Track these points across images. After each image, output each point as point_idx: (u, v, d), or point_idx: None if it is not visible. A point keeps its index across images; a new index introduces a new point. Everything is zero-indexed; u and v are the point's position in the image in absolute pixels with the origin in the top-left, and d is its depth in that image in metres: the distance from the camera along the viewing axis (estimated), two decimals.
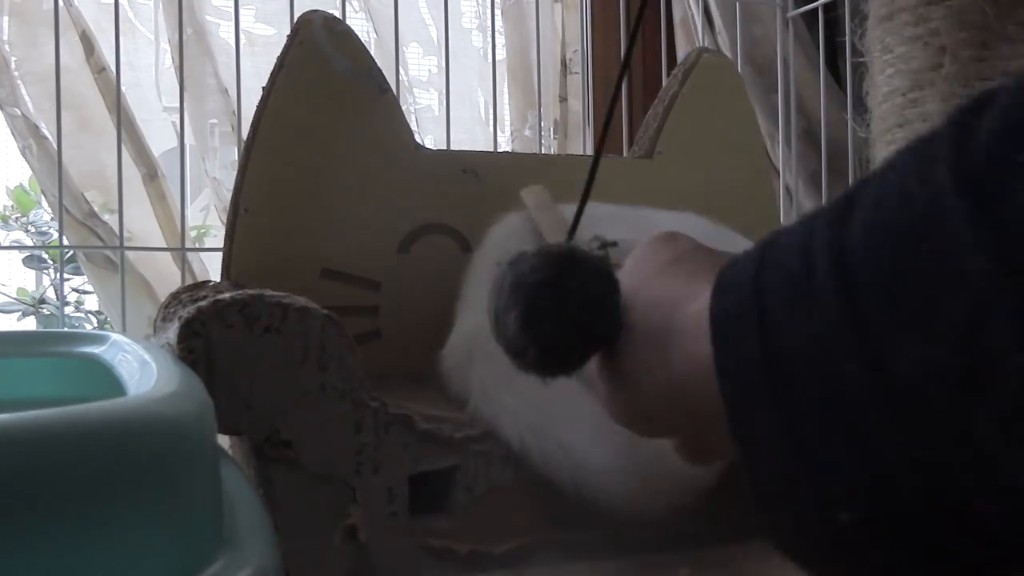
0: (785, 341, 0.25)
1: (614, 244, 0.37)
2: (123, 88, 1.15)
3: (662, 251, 0.36)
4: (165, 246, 1.27)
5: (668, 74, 1.18)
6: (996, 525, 0.22)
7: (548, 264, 0.35)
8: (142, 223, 1.27)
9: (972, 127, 0.22)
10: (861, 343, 0.23)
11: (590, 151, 1.41)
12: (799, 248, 0.25)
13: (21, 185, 1.70)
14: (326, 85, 0.91)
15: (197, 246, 1.42)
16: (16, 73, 1.23)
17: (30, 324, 1.66)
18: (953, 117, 0.23)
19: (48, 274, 1.68)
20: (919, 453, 0.23)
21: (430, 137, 1.44)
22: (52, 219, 1.61)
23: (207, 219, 1.46)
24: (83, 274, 1.45)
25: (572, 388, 0.71)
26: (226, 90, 1.31)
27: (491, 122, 1.26)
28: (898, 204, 0.23)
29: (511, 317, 0.35)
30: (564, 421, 0.70)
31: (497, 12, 1.39)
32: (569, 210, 0.85)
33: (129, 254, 1.22)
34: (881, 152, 0.76)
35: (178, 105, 1.19)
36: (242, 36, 1.15)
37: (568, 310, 0.35)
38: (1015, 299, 0.20)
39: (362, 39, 0.95)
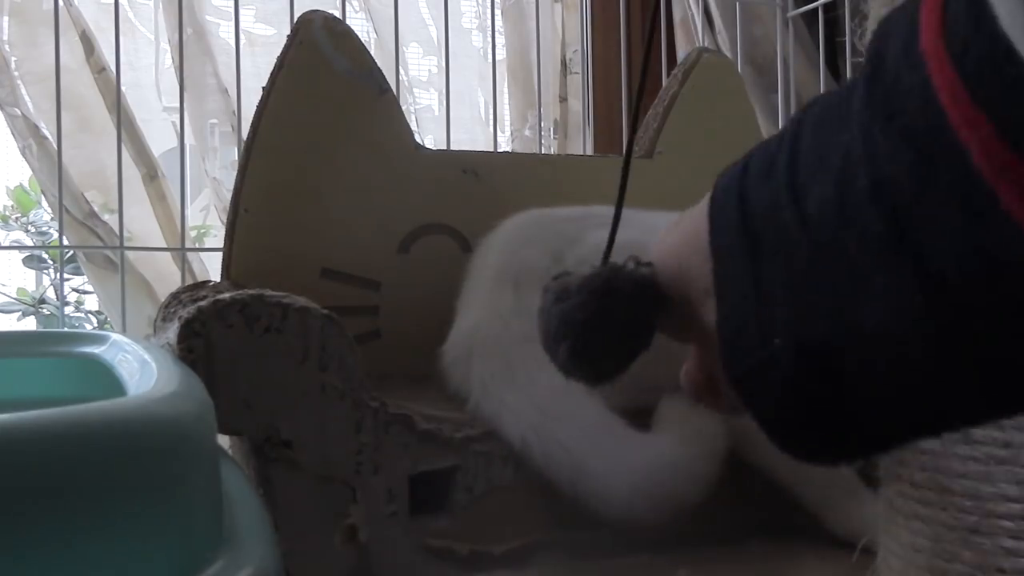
0: (753, 200, 0.31)
1: (649, 265, 0.39)
2: (123, 88, 1.15)
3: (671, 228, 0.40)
4: (165, 246, 1.27)
5: (668, 74, 1.18)
6: (880, 342, 0.27)
7: (591, 299, 0.38)
8: (142, 223, 1.27)
9: (886, 21, 0.27)
10: (792, 191, 0.29)
11: (590, 151, 1.41)
12: (779, 135, 0.31)
13: (21, 185, 1.70)
14: (326, 85, 0.91)
15: (197, 246, 1.42)
16: (16, 73, 1.23)
17: (30, 324, 1.66)
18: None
19: (48, 274, 1.68)
20: (825, 278, 0.27)
21: (430, 137, 1.44)
22: (52, 219, 1.61)
23: (207, 219, 1.46)
24: (83, 274, 1.45)
25: (576, 388, 0.71)
26: (226, 90, 1.31)
27: (491, 122, 1.26)
28: (839, 89, 0.29)
29: (561, 349, 0.39)
30: (567, 421, 0.70)
31: (497, 12, 1.39)
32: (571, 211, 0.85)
33: (129, 254, 1.22)
34: None
35: (178, 105, 1.19)
36: (242, 36, 1.15)
37: (608, 345, 0.39)
38: (869, 135, 0.25)
39: (362, 39, 0.95)
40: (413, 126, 1.20)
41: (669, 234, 0.38)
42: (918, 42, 0.24)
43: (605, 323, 0.38)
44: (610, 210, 0.81)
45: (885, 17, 0.28)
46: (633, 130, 0.43)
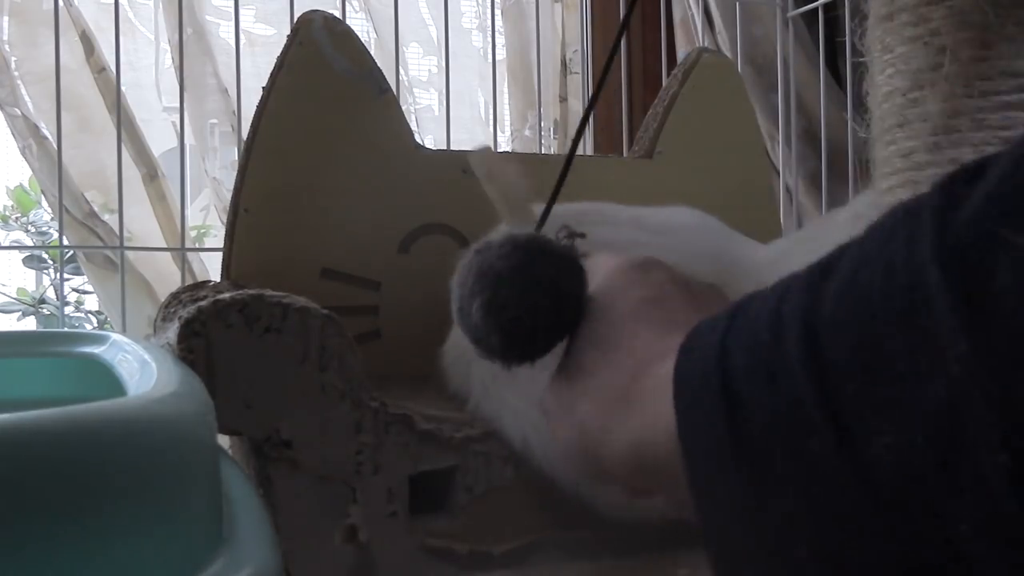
0: (748, 410, 0.24)
1: (582, 235, 0.37)
2: (123, 88, 1.15)
3: (636, 285, 0.35)
4: (165, 246, 1.27)
5: (668, 74, 1.18)
6: None
7: (514, 252, 0.34)
8: (142, 223, 1.27)
9: (960, 196, 0.21)
10: (827, 420, 0.22)
11: (590, 151, 1.41)
12: (769, 312, 0.24)
13: (21, 185, 1.70)
14: (326, 85, 0.91)
15: (197, 246, 1.42)
16: (16, 73, 1.23)
17: (30, 324, 1.66)
18: (942, 183, 0.22)
19: (48, 274, 1.68)
20: (891, 542, 0.21)
21: (430, 137, 1.44)
22: (52, 219, 1.61)
23: (207, 219, 1.46)
24: (83, 274, 1.45)
25: None
26: (226, 90, 1.31)
27: (491, 122, 1.26)
28: (876, 275, 0.22)
29: (475, 304, 0.34)
30: None
31: (497, 12, 1.39)
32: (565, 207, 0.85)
33: (129, 254, 1.22)
34: (881, 152, 0.75)
35: (178, 105, 1.19)
36: (242, 36, 1.15)
37: (532, 298, 0.34)
38: (992, 386, 0.19)
39: (362, 39, 0.95)
40: (413, 126, 1.20)
41: (615, 426, 0.31)
42: None
43: (528, 275, 0.34)
44: (610, 207, 0.81)
45: (951, 183, 0.21)
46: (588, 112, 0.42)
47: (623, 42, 1.35)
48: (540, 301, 0.34)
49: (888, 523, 0.21)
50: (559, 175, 0.37)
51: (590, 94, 1.44)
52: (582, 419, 0.33)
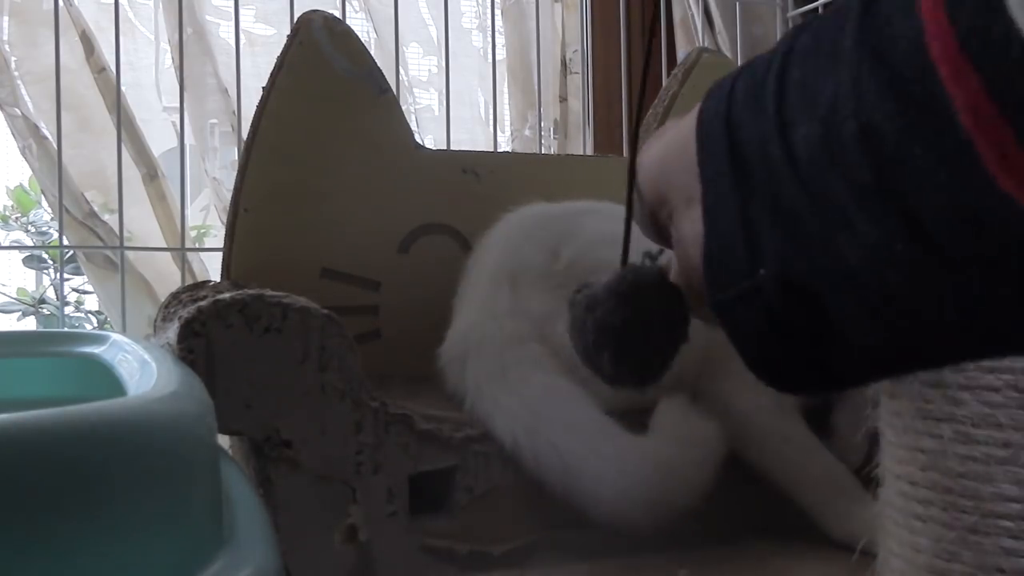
0: (741, 130, 0.30)
1: (660, 253, 0.40)
2: (123, 88, 1.15)
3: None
4: (165, 246, 1.27)
5: (668, 74, 1.18)
6: (861, 280, 0.27)
7: (622, 304, 0.38)
8: (142, 223, 1.27)
9: None
10: (780, 126, 0.28)
11: (590, 151, 1.40)
12: (766, 58, 0.30)
13: (21, 185, 1.70)
14: (326, 85, 0.91)
15: (197, 246, 1.42)
16: (16, 73, 1.23)
17: (30, 324, 1.66)
18: None
19: (48, 274, 1.68)
20: (811, 215, 0.28)
21: (430, 137, 1.44)
22: (52, 219, 1.61)
23: (207, 219, 1.46)
24: (83, 274, 1.44)
25: (571, 391, 0.71)
26: (226, 90, 1.31)
27: (491, 122, 1.26)
28: (829, 16, 0.28)
29: (604, 358, 0.39)
30: (558, 422, 0.70)
31: (497, 12, 1.39)
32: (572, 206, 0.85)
33: (129, 254, 1.22)
34: None
35: (178, 105, 1.19)
36: (242, 36, 1.14)
37: (651, 342, 0.39)
38: (857, 76, 0.25)
39: (362, 39, 0.95)
40: (413, 126, 1.20)
41: (654, 143, 0.38)
42: None
43: (642, 321, 0.38)
44: (605, 205, 0.81)
45: None
46: (636, 129, 0.43)
47: (622, 43, 1.35)
48: (659, 341, 0.39)
49: (809, 197, 0.28)
50: (626, 198, 0.40)
51: (591, 94, 1.44)
52: (647, 148, 0.39)
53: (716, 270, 0.32)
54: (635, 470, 0.67)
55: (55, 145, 1.10)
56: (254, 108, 0.91)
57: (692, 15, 1.41)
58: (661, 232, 0.38)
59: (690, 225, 0.33)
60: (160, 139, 1.36)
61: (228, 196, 0.95)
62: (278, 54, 0.92)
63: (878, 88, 0.24)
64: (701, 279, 0.34)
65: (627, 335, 0.39)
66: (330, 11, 0.95)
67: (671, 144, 0.36)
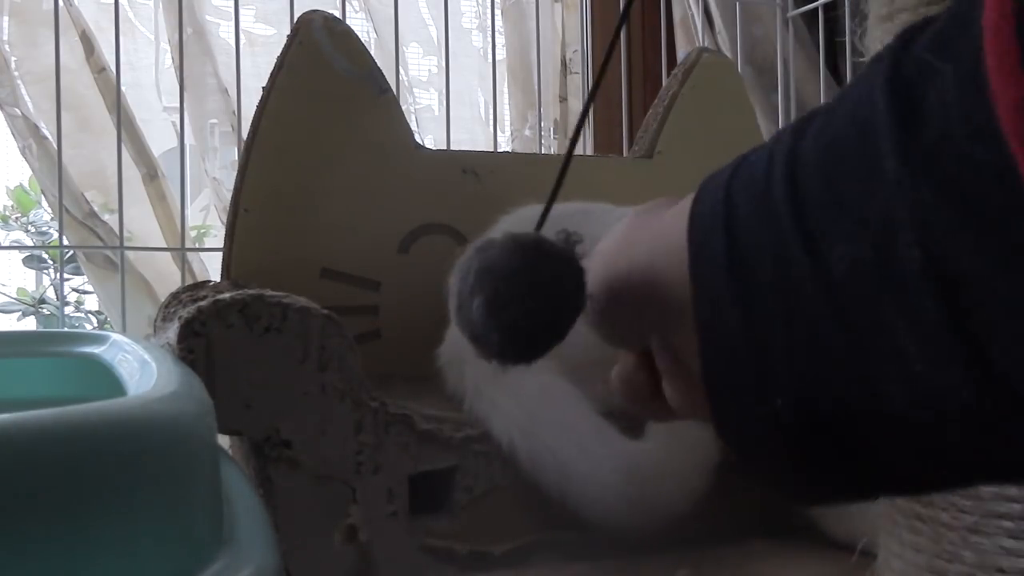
0: (745, 241, 0.27)
1: (580, 240, 0.37)
2: (123, 88, 1.15)
3: (637, 215, 0.37)
4: (165, 246, 1.27)
5: (668, 74, 1.18)
6: (908, 421, 0.24)
7: (517, 251, 0.34)
8: (142, 223, 1.27)
9: (916, 38, 0.23)
10: (805, 242, 0.25)
11: (590, 151, 1.41)
12: (766, 156, 0.28)
13: (21, 185, 1.70)
14: (326, 85, 0.91)
15: (197, 246, 1.42)
16: (16, 73, 1.23)
17: (30, 324, 1.66)
18: (903, 31, 0.24)
19: (48, 274, 1.68)
20: (848, 346, 0.25)
21: (430, 137, 1.44)
22: (52, 219, 1.61)
23: (207, 219, 1.46)
24: (83, 274, 1.45)
25: (567, 392, 0.71)
26: (226, 90, 1.31)
27: (491, 122, 1.26)
28: (844, 109, 0.25)
29: (476, 302, 0.34)
30: (554, 424, 0.70)
31: (497, 12, 1.39)
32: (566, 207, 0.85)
33: (129, 254, 1.22)
34: None
35: (178, 105, 1.19)
36: (242, 36, 1.14)
37: (535, 298, 0.34)
38: (919, 201, 0.22)
39: (362, 39, 0.95)
40: (413, 126, 1.20)
41: (622, 245, 0.34)
42: (988, 103, 0.20)
43: (526, 278, 0.34)
44: (605, 205, 0.81)
45: (910, 30, 0.24)
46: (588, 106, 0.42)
47: (622, 43, 1.35)
48: (542, 302, 0.34)
49: (847, 327, 0.24)
50: (558, 173, 0.37)
51: (589, 93, 1.44)
52: (607, 245, 0.36)
53: (723, 403, 0.29)
54: (628, 473, 0.67)
55: (55, 145, 1.10)
56: (254, 108, 0.91)
57: (692, 15, 1.41)
58: (626, 336, 0.35)
59: (680, 339, 0.31)
60: (160, 139, 1.36)
61: (228, 196, 0.95)
62: (278, 54, 0.91)
63: (950, 220, 0.21)
64: (686, 387, 0.32)
65: (509, 282, 0.34)
66: (330, 11, 0.95)
67: (658, 245, 0.32)
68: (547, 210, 0.38)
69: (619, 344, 0.36)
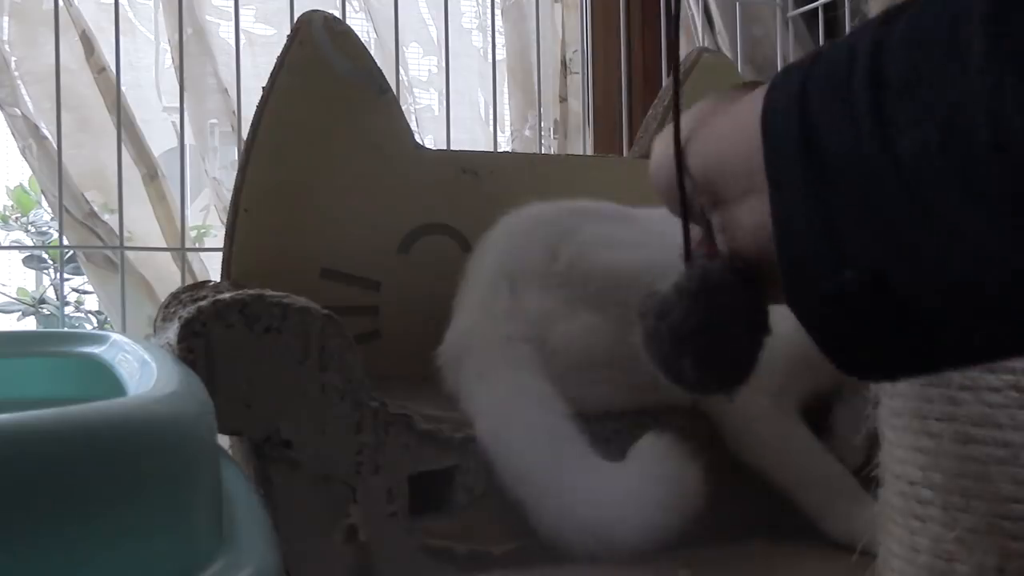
0: (820, 124, 0.29)
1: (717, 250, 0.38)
2: (123, 88, 1.15)
3: (710, 102, 0.38)
4: (165, 246, 1.27)
5: (668, 74, 1.18)
6: (969, 288, 0.26)
7: (696, 305, 0.36)
8: (142, 223, 1.27)
9: None
10: (879, 126, 0.27)
11: (590, 151, 1.41)
12: (846, 47, 0.29)
13: (21, 185, 1.70)
14: (326, 85, 0.91)
15: (197, 246, 1.42)
16: (16, 73, 1.23)
17: (30, 324, 1.66)
18: None
19: (48, 274, 1.68)
20: (917, 223, 0.27)
21: (430, 137, 1.44)
22: (52, 219, 1.61)
23: (207, 219, 1.46)
24: (83, 274, 1.45)
25: (540, 394, 0.70)
26: (226, 90, 1.31)
27: (491, 122, 1.26)
28: (935, 7, 0.26)
29: (685, 366, 0.36)
30: (520, 428, 0.68)
31: (497, 12, 1.39)
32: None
33: (129, 254, 1.22)
34: None
35: (178, 105, 1.19)
36: (242, 36, 1.15)
37: (732, 341, 0.37)
38: (999, 87, 0.24)
39: (362, 39, 0.95)
40: (413, 126, 1.20)
41: (702, 130, 0.36)
42: None
43: (719, 321, 0.36)
44: (605, 205, 0.80)
45: None
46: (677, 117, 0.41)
47: (622, 43, 1.35)
48: (740, 339, 0.36)
49: (916, 207, 0.26)
50: (678, 185, 0.38)
51: (591, 94, 1.44)
52: (684, 128, 0.37)
53: (793, 275, 0.31)
54: (589, 496, 0.64)
55: (55, 145, 1.10)
56: (254, 108, 0.91)
57: (692, 15, 1.41)
58: (694, 212, 0.37)
59: (748, 215, 0.33)
60: (160, 139, 1.36)
61: (228, 196, 0.95)
62: (278, 54, 0.91)
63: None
64: (754, 261, 0.33)
65: (705, 339, 0.36)
66: (330, 11, 0.95)
67: (726, 134, 0.35)
68: (687, 245, 0.39)
69: (689, 216, 0.38)
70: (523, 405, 0.70)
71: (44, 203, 1.62)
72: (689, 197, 0.37)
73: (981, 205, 0.25)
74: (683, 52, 1.38)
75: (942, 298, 0.28)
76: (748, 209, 0.33)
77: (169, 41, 1.32)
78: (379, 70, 0.93)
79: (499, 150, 1.28)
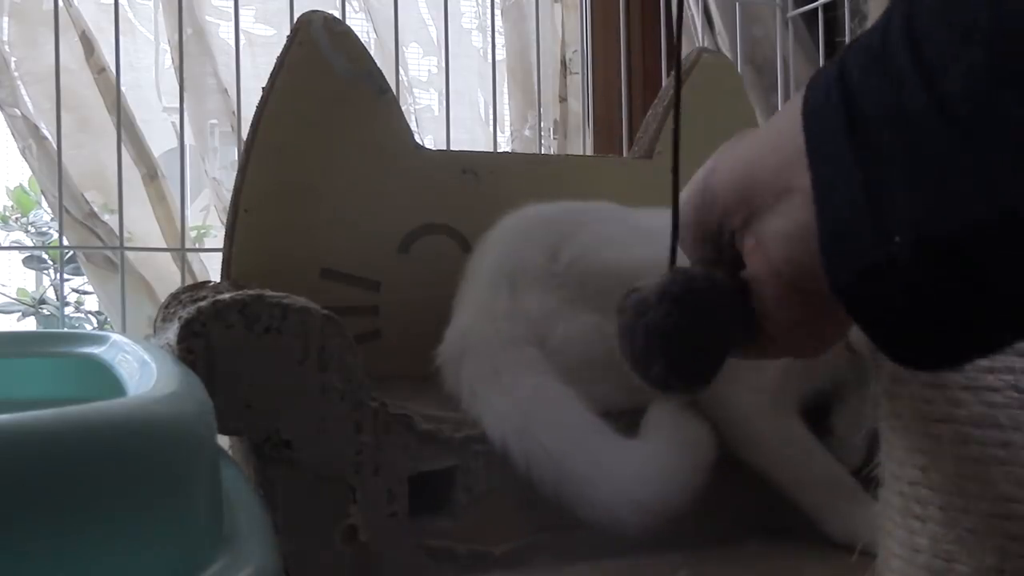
0: (862, 96, 0.29)
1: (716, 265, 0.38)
2: (123, 88, 1.15)
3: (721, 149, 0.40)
4: (165, 246, 1.27)
5: (668, 74, 1.18)
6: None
7: (677, 310, 0.37)
8: (142, 223, 1.27)
9: None
10: (923, 76, 0.27)
11: (590, 151, 1.41)
12: (879, 28, 0.30)
13: (21, 185, 1.70)
14: (326, 85, 0.91)
15: (197, 246, 1.42)
16: (16, 73, 1.23)
17: (30, 324, 1.66)
18: None
19: (48, 274, 1.68)
20: (962, 167, 0.27)
21: (430, 137, 1.44)
22: (52, 219, 1.61)
23: (207, 219, 1.46)
24: (83, 274, 1.45)
25: (562, 392, 0.71)
26: (226, 90, 1.31)
27: (491, 122, 1.26)
28: None
29: (659, 365, 0.37)
30: (550, 425, 0.69)
31: (497, 12, 1.39)
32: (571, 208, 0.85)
33: (129, 254, 1.22)
34: None
35: (178, 105, 1.19)
36: (242, 36, 1.15)
37: (704, 347, 0.37)
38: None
39: (362, 39, 0.95)
40: (413, 126, 1.20)
41: (729, 152, 0.37)
42: None
43: (695, 325, 0.37)
44: (605, 205, 0.80)
45: None
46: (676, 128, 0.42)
47: (622, 43, 1.35)
48: (713, 346, 0.37)
49: (969, 145, 0.26)
50: (672, 192, 0.39)
51: (591, 94, 1.44)
52: (699, 174, 0.39)
53: (835, 252, 0.30)
54: (627, 473, 0.67)
55: (55, 145, 1.10)
56: (254, 108, 0.91)
57: (692, 15, 1.41)
58: (718, 244, 0.37)
59: (782, 220, 0.33)
60: (160, 139, 1.36)
61: (228, 196, 0.95)
62: (278, 54, 0.91)
63: None
64: (795, 274, 0.33)
65: (682, 343, 0.37)
66: (330, 11, 0.95)
67: (757, 144, 0.35)
68: (674, 250, 0.40)
69: (710, 253, 0.38)
70: (546, 401, 0.70)
71: (44, 203, 1.62)
72: (719, 223, 0.37)
73: None
74: (683, 52, 1.38)
75: (1009, 248, 0.27)
76: (782, 213, 0.33)
77: (169, 41, 1.32)
78: (379, 70, 0.93)
79: (499, 150, 1.28)
